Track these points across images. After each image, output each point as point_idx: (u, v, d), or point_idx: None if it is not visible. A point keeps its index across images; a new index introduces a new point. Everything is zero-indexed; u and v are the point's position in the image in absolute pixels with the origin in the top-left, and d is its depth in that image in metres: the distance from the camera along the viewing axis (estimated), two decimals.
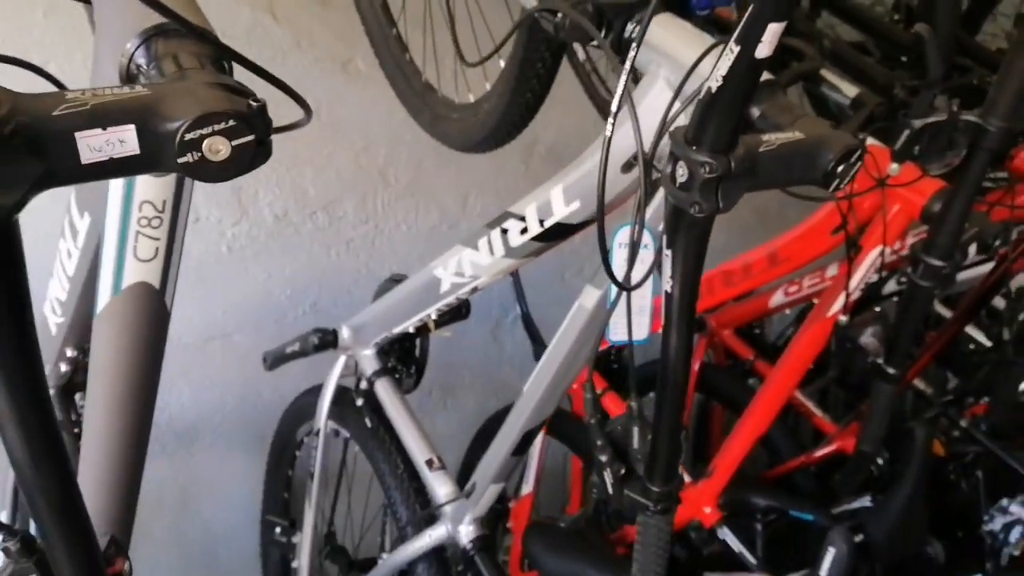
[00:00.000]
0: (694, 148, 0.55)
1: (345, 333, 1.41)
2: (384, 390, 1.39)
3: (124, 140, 0.40)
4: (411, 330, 1.30)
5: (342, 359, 1.42)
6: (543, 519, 1.68)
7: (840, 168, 0.58)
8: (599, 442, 0.82)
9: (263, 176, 1.65)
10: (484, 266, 1.04)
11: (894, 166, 0.86)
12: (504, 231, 0.98)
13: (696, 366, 1.69)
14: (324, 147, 1.70)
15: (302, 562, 1.56)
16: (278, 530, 1.71)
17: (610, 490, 0.82)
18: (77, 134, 0.39)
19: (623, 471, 0.82)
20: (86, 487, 0.78)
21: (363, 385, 1.42)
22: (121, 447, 0.81)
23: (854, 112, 0.86)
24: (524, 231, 0.96)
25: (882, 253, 1.21)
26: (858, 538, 1.27)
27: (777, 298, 1.62)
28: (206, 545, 1.95)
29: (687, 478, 1.36)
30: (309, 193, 1.71)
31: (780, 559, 1.41)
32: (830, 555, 1.20)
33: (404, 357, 1.43)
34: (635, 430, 0.80)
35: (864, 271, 1.24)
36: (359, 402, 1.43)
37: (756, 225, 1.82)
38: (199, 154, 0.41)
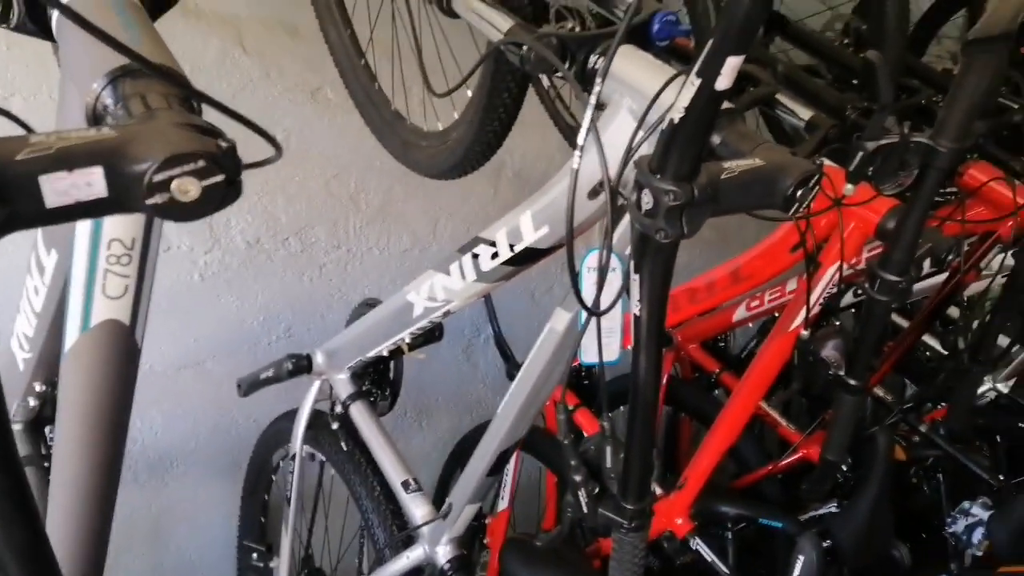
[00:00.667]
0: (658, 177, 0.57)
1: (319, 358, 1.42)
2: (359, 413, 1.40)
3: (91, 183, 0.39)
4: (385, 353, 1.32)
5: (317, 383, 1.43)
6: (519, 536, 1.69)
7: (799, 192, 0.60)
8: (573, 462, 0.84)
9: (235, 204, 1.64)
10: (456, 290, 1.06)
11: (849, 187, 0.88)
12: (475, 256, 0.99)
13: (664, 380, 1.72)
14: (295, 174, 1.71)
15: None
16: (255, 555, 1.71)
17: (585, 509, 0.84)
18: (41, 177, 0.38)
19: (597, 490, 0.84)
20: (55, 531, 0.75)
21: (338, 409, 1.42)
22: (91, 488, 0.78)
23: (809, 134, 0.90)
24: (495, 256, 0.97)
25: (840, 269, 1.25)
26: (826, 543, 1.30)
27: (740, 312, 1.65)
28: (182, 574, 1.93)
29: (659, 491, 1.39)
30: (281, 220, 1.72)
31: (750, 567, 1.44)
32: (800, 562, 1.23)
33: (378, 380, 1.44)
34: (608, 449, 0.82)
35: (823, 287, 1.27)
36: (334, 426, 1.44)
37: (716, 241, 1.86)
38: (168, 195, 0.40)
